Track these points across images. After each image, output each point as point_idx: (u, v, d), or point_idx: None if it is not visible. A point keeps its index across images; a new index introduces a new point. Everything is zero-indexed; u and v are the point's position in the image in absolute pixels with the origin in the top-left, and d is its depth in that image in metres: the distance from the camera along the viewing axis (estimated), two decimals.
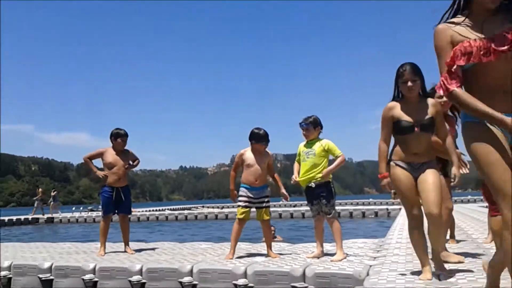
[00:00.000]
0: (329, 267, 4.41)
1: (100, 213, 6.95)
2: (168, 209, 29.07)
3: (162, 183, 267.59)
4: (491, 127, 2.19)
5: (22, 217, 23.11)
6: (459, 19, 2.30)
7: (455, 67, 2.21)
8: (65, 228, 20.08)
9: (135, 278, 4.89)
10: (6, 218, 22.35)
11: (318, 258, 5.01)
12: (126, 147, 6.50)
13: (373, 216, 20.40)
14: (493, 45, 2.14)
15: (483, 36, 2.20)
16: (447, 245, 4.82)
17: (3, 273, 5.50)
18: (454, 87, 2.21)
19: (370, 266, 4.36)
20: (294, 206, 28.22)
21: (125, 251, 6.31)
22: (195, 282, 4.68)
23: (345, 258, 4.86)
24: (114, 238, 7.72)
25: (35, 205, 24.59)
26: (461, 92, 2.21)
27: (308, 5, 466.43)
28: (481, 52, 2.16)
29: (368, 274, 4.03)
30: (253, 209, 5.38)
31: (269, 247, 5.42)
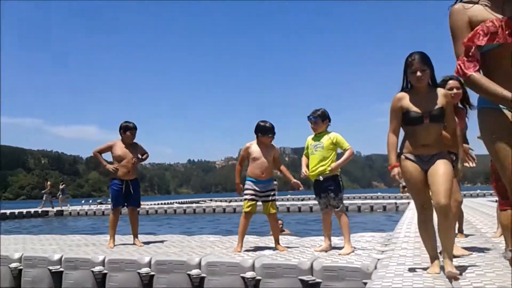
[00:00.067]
0: (337, 260, 4.41)
1: (109, 206, 6.99)
2: (176, 202, 29.19)
3: (171, 177, 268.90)
4: (508, 114, 2.07)
5: (32, 210, 23.32)
6: None
7: (473, 48, 2.07)
8: (74, 221, 20.24)
9: (144, 270, 4.92)
10: (16, 211, 22.56)
11: (326, 251, 5.01)
12: (135, 140, 6.52)
13: (382, 210, 20.34)
14: None
15: (503, 16, 2.07)
16: (455, 239, 4.80)
17: (14, 264, 5.56)
18: (472, 71, 2.07)
19: (378, 259, 4.36)
20: (302, 200, 28.22)
21: (134, 244, 6.35)
22: (203, 275, 4.70)
23: (353, 251, 4.86)
24: (123, 231, 7.77)
25: (44, 198, 24.79)
26: (479, 76, 2.07)
27: None
28: (507, 32, 2.02)
29: (376, 268, 4.03)
30: (259, 203, 5.39)
31: (277, 240, 5.43)
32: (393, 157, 3.45)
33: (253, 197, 5.32)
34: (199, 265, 4.77)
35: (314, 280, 4.24)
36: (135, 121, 6.52)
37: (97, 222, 18.34)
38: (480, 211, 10.71)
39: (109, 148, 6.46)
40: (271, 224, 5.48)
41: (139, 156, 6.56)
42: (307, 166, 5.17)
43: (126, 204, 6.44)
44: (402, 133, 3.54)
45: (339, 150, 5.11)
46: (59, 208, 24.29)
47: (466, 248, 4.49)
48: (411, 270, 3.66)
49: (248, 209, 5.31)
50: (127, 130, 6.40)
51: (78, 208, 24.72)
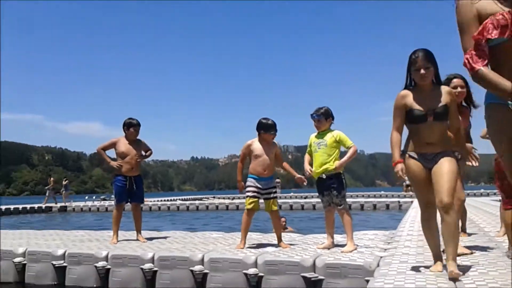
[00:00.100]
0: (340, 257, 4.41)
1: (112, 202, 7.01)
2: (179, 199, 29.25)
3: (174, 174, 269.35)
4: None
5: (36, 206, 23.42)
6: None
7: (483, 42, 2.02)
8: (78, 216, 20.31)
9: (147, 266, 4.94)
10: (20, 206, 22.65)
11: (329, 249, 5.02)
12: (138, 137, 6.54)
13: (385, 208, 20.32)
14: None
15: None
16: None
17: (18, 259, 5.59)
18: (480, 65, 2.02)
19: (381, 257, 4.36)
20: (305, 198, 28.24)
21: (137, 240, 6.37)
22: (206, 271, 4.72)
23: (355, 249, 4.86)
24: (126, 227, 7.80)
25: (47, 194, 24.88)
26: (487, 71, 2.02)
27: None
28: None
29: (378, 265, 4.03)
30: (261, 201, 5.39)
31: (279, 237, 5.44)
32: (396, 154, 3.40)
33: (255, 194, 5.32)
34: (202, 261, 4.79)
35: (317, 277, 4.25)
36: (139, 118, 6.53)
37: (101, 218, 18.40)
38: (483, 210, 10.69)
39: (113, 145, 6.47)
40: (273, 221, 5.49)
41: (143, 153, 6.57)
42: (311, 164, 5.17)
43: (129, 200, 6.46)
44: (406, 131, 3.52)
45: (342, 149, 5.11)
46: (62, 204, 24.37)
47: (469, 247, 4.49)
48: (414, 268, 3.66)
49: (250, 206, 5.32)
50: (131, 127, 6.41)
51: (81, 204, 24.80)
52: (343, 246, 4.99)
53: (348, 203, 5.26)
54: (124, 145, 6.37)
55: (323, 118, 5.09)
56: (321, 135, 5.12)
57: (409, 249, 4.76)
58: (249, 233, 5.54)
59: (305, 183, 5.62)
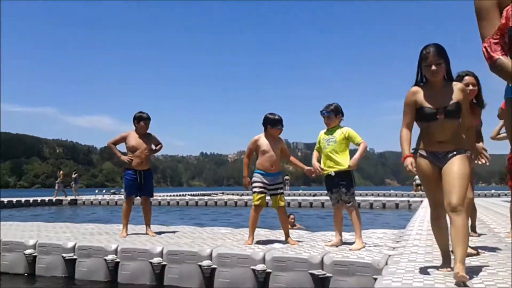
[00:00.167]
0: (348, 255, 4.41)
1: (122, 196, 7.06)
2: (188, 194, 29.35)
3: (183, 169, 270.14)
4: None
5: (46, 198, 23.63)
6: None
7: (509, 30, 1.91)
8: (88, 210, 20.46)
9: (156, 260, 4.98)
10: (31, 199, 22.86)
11: (337, 246, 5.01)
12: (148, 131, 6.56)
13: (394, 207, 20.22)
14: None
15: None
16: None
17: (29, 251, 5.65)
18: (499, 54, 1.92)
19: (389, 255, 4.35)
20: (314, 196, 28.21)
21: (146, 233, 6.41)
22: (214, 266, 4.74)
23: (363, 247, 4.85)
24: (135, 220, 7.85)
25: (56, 187, 25.12)
26: (506, 60, 1.92)
27: None
28: None
29: (386, 264, 4.02)
30: (267, 197, 5.37)
31: (287, 234, 5.44)
32: (406, 148, 3.29)
33: (262, 189, 5.32)
34: (210, 257, 4.81)
35: (324, 274, 4.26)
36: (149, 113, 6.55)
37: (110, 211, 18.54)
38: (493, 211, 10.60)
39: (123, 139, 6.49)
40: (280, 217, 5.48)
41: (153, 146, 6.60)
42: (319, 161, 5.16)
43: (139, 194, 6.50)
44: (417, 129, 3.46)
45: (351, 147, 5.09)
46: (72, 197, 24.58)
47: (478, 247, 4.45)
48: (422, 267, 3.64)
49: (258, 202, 5.32)
50: (141, 120, 6.43)
51: (91, 197, 24.99)
52: (351, 244, 4.99)
53: (357, 201, 5.24)
54: (134, 139, 6.40)
55: (333, 115, 5.07)
56: (330, 131, 5.10)
57: (418, 248, 4.73)
58: (257, 229, 5.55)
59: (313, 175, 5.55)
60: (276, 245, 5.22)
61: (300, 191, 36.85)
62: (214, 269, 4.75)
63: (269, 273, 4.49)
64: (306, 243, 5.35)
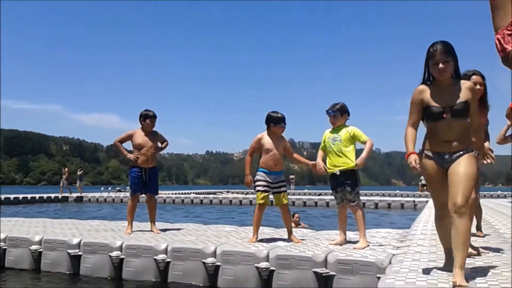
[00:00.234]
0: (351, 254, 4.42)
1: (127, 194, 7.09)
2: (193, 192, 29.43)
3: (189, 167, 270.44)
4: None
5: (52, 195, 23.79)
6: None
7: None
8: (93, 207, 20.57)
9: (160, 257, 5.00)
10: (37, 196, 23.01)
11: (341, 245, 5.01)
12: (154, 129, 6.59)
13: (399, 207, 20.17)
14: None
15: None
16: (472, 238, 4.68)
17: (34, 247, 5.69)
18: None
19: (393, 255, 4.34)
20: (319, 195, 28.20)
21: (151, 230, 6.44)
22: (218, 263, 4.76)
23: (368, 246, 4.85)
24: (140, 217, 7.88)
25: (61, 184, 25.26)
26: None
27: None
28: None
29: (390, 263, 4.03)
30: (271, 196, 5.38)
31: (290, 232, 5.45)
32: (410, 146, 3.23)
33: (266, 188, 5.33)
34: (214, 254, 4.82)
35: (328, 272, 4.26)
36: (155, 111, 6.57)
37: (116, 208, 18.62)
38: (499, 212, 10.56)
39: (129, 137, 6.53)
40: (283, 215, 5.48)
41: (159, 144, 6.62)
42: (324, 160, 5.16)
43: (144, 191, 6.52)
44: (423, 129, 3.41)
45: (358, 146, 5.08)
46: (78, 194, 24.71)
47: (483, 248, 4.44)
48: (426, 266, 3.64)
49: (262, 201, 5.32)
50: (147, 118, 6.47)
51: (97, 194, 25.12)
52: (355, 242, 4.99)
53: (362, 201, 5.24)
54: (140, 137, 6.43)
55: (339, 114, 5.08)
56: (335, 130, 5.10)
57: (422, 247, 4.73)
58: (261, 227, 5.56)
59: (320, 172, 5.46)
60: (280, 243, 5.23)
61: (305, 190, 36.85)
62: (218, 266, 4.76)
63: (273, 271, 4.50)
64: (310, 242, 5.35)
